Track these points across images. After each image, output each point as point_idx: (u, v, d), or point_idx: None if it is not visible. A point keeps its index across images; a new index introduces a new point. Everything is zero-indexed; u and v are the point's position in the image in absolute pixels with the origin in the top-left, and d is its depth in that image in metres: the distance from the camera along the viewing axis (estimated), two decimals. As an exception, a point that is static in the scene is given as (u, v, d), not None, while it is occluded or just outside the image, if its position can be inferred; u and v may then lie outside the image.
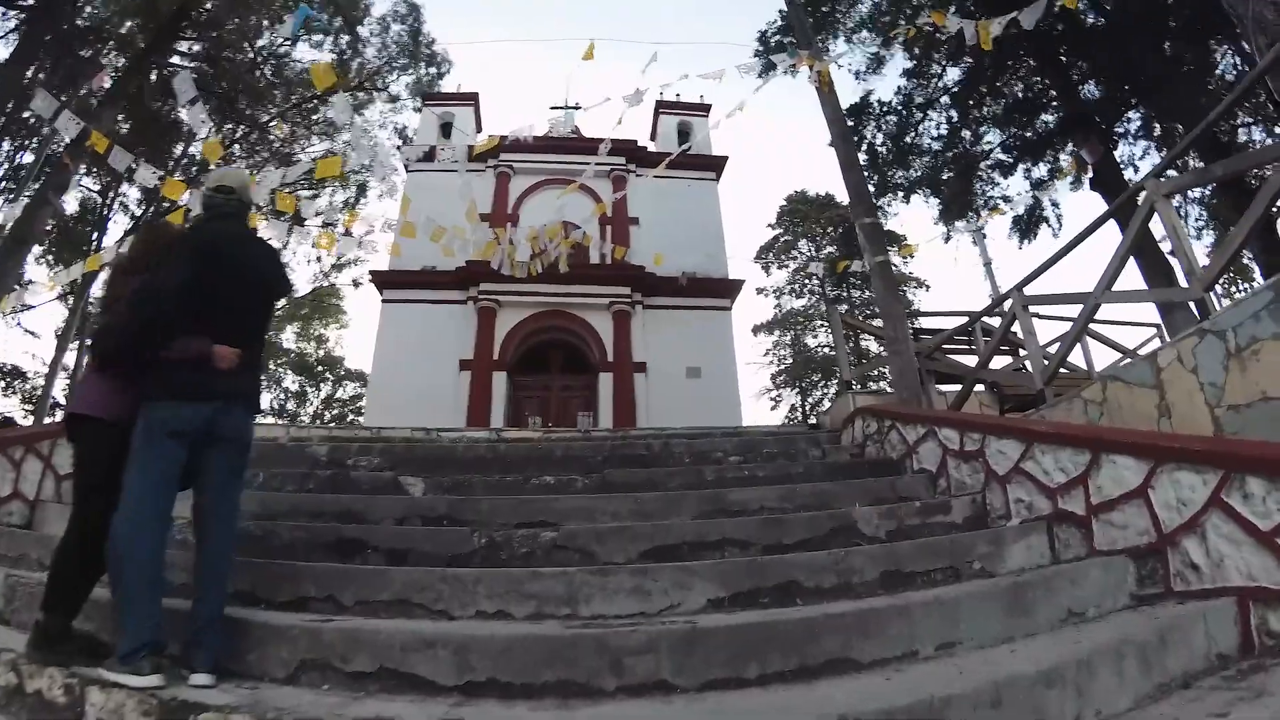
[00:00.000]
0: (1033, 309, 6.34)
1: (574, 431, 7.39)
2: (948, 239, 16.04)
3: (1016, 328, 6.25)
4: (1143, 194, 4.85)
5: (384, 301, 16.68)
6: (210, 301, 2.36)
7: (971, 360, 8.58)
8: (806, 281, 40.58)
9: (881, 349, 11.05)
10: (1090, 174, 13.08)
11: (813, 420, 8.85)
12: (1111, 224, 5.62)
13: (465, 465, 5.34)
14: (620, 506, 3.82)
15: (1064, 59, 13.24)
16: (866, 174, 14.57)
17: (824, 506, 3.95)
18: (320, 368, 43.55)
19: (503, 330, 15.61)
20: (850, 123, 14.56)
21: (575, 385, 16.05)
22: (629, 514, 3.74)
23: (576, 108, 20.87)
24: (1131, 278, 9.15)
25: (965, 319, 9.08)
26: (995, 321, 7.90)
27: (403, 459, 5.47)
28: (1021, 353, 9.87)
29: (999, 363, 9.19)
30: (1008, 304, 6.46)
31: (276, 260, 2.90)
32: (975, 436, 4.01)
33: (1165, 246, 9.40)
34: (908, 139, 15.23)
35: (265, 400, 44.84)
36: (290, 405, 45.12)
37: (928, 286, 37.81)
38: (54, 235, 26.88)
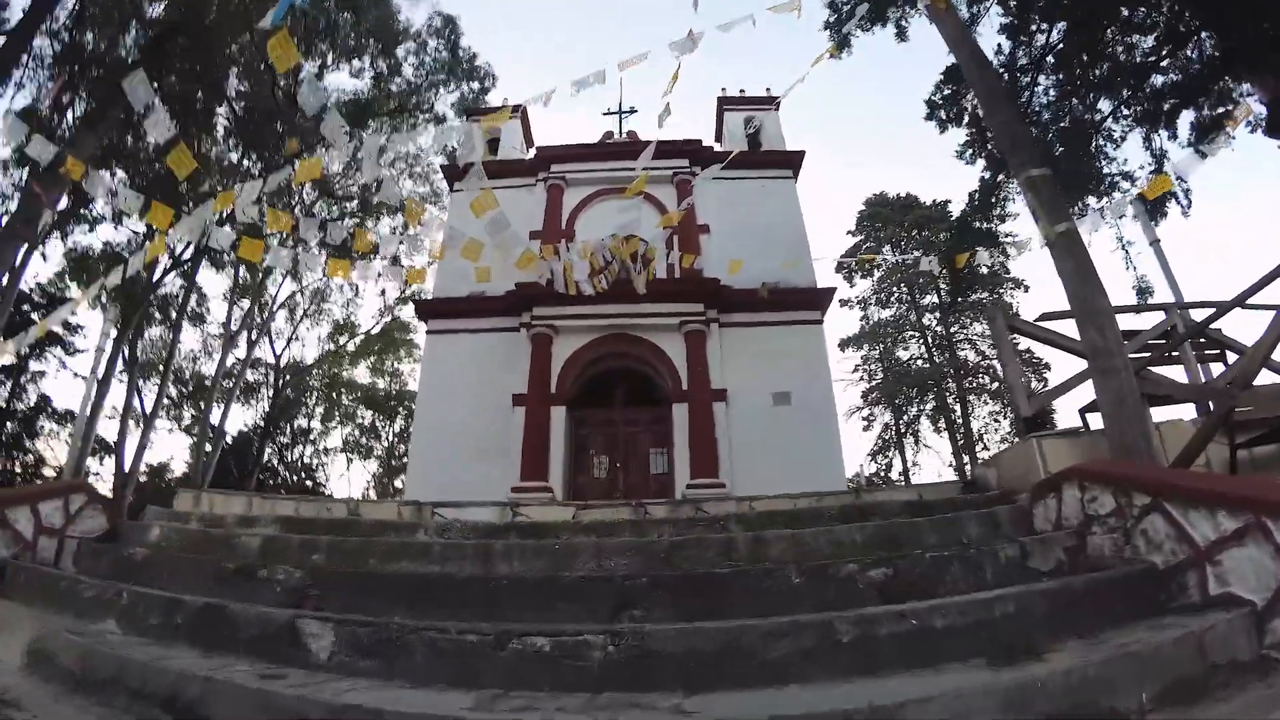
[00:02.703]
0: None
1: (621, 511, 5.26)
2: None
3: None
4: None
5: (429, 333, 15.05)
6: None
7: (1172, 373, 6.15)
8: (894, 290, 37.59)
9: (1008, 377, 8.55)
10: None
11: (968, 475, 6.47)
12: None
13: (424, 590, 3.35)
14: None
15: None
16: (973, 151, 12.05)
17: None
18: (392, 402, 43.19)
19: (560, 359, 13.69)
20: (947, 90, 12.12)
21: (645, 419, 13.95)
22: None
23: (632, 111, 19.11)
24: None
25: (1162, 316, 6.62)
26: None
27: (339, 575, 3.55)
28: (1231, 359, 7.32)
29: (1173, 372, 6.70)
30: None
31: None
32: None
33: None
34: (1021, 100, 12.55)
35: (340, 436, 45.00)
36: (363, 440, 45.07)
37: (1026, 287, 34.18)
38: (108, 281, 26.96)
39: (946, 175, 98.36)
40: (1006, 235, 11.33)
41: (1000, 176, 10.53)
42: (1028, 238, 8.76)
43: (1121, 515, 3.40)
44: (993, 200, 10.46)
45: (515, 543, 4.18)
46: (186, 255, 25.93)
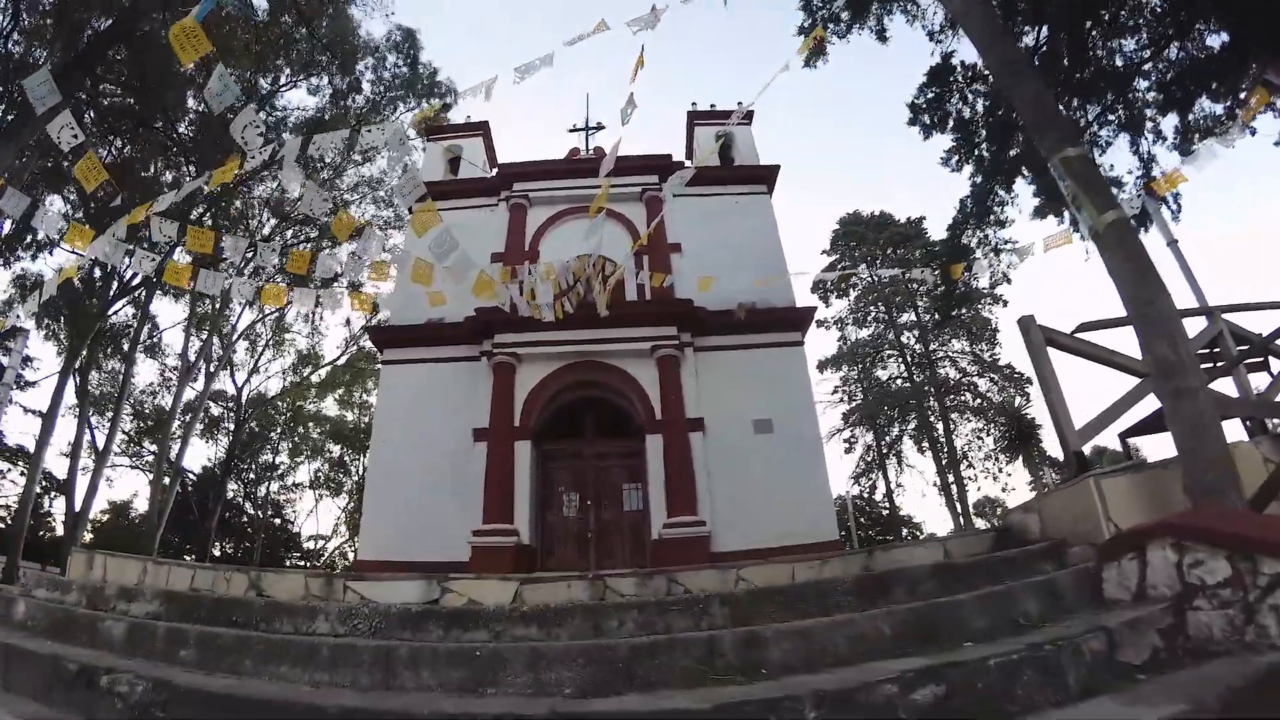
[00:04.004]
0: None
1: (575, 588, 4.23)
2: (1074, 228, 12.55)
3: None
4: None
5: (384, 363, 14.03)
6: None
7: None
8: (871, 309, 37.10)
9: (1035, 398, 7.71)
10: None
11: (999, 523, 5.48)
12: None
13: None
14: None
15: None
16: (960, 158, 11.31)
17: None
18: (362, 435, 41.78)
19: (524, 389, 12.72)
20: (930, 94, 11.43)
21: (617, 452, 12.98)
22: None
23: (599, 127, 18.37)
24: None
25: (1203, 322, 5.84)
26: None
27: (191, 691, 2.62)
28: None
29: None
30: None
31: None
32: None
33: None
34: (1000, 112, 11.93)
35: (308, 471, 43.37)
36: (333, 475, 43.48)
37: (1005, 302, 33.72)
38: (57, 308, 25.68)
39: (920, 191, 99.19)
40: (1007, 242, 10.66)
41: (995, 180, 9.84)
42: (1029, 243, 8.03)
43: (1240, 586, 2.58)
44: (988, 204, 9.75)
45: (428, 646, 3.22)
46: (136, 282, 24.68)
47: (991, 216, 10.09)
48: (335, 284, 19.08)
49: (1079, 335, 5.66)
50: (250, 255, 17.46)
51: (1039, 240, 8.22)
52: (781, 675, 2.72)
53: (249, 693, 2.92)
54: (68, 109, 6.57)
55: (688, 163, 16.76)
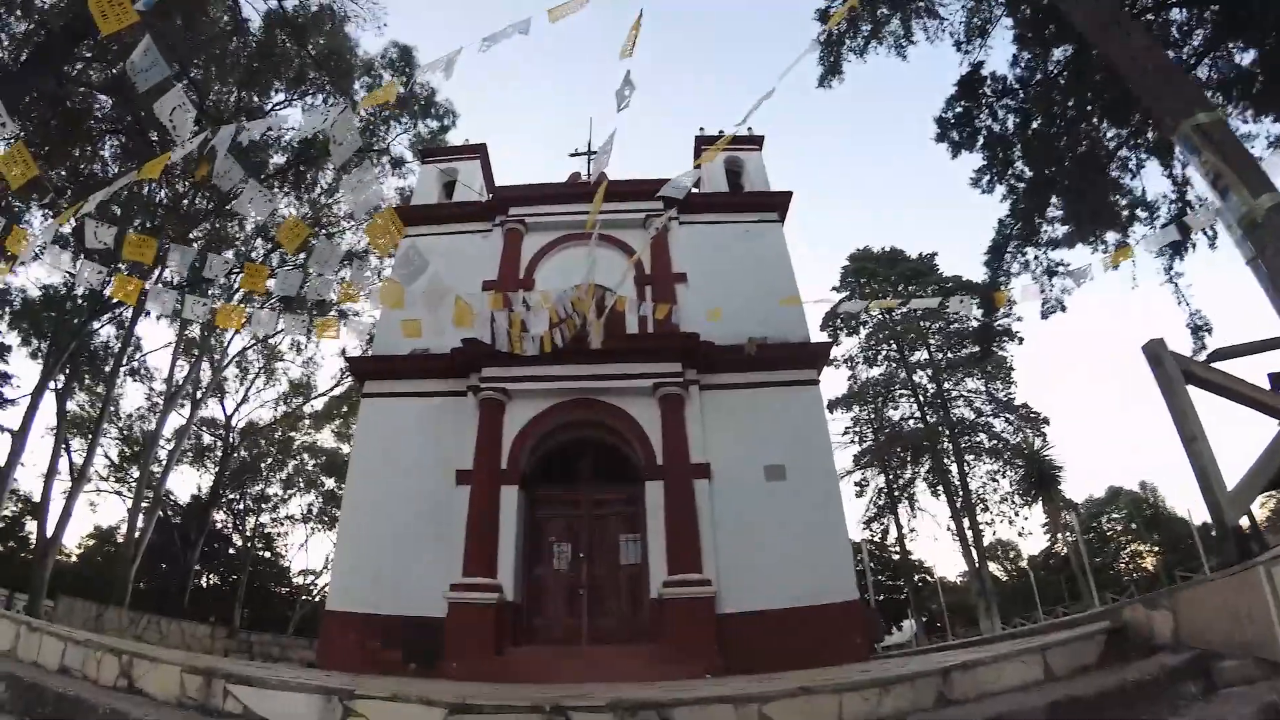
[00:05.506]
0: None
1: None
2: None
3: None
4: None
5: (364, 395, 12.95)
6: None
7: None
8: (882, 348, 36.03)
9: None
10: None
11: (1110, 620, 4.14)
12: None
13: None
14: None
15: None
16: (992, 176, 10.27)
17: None
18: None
19: (513, 428, 11.62)
20: (959, 108, 10.45)
21: (614, 499, 11.81)
22: None
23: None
24: None
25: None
26: None
27: None
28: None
29: None
30: None
31: None
32: None
33: None
34: (1034, 126, 10.89)
35: (300, 504, 42.03)
36: (326, 508, 42.10)
37: (1020, 339, 32.47)
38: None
39: (933, 226, 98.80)
40: (1059, 264, 9.60)
41: (1045, 193, 8.79)
42: (1086, 265, 7.00)
43: None
44: (1036, 222, 8.71)
45: None
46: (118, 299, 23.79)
47: (1042, 235, 9.04)
48: (313, 309, 18.17)
49: (1216, 365, 4.52)
50: (222, 274, 16.50)
51: (1094, 261, 7.10)
52: None
53: None
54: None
55: (695, 190, 15.88)
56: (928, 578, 39.89)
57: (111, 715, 3.22)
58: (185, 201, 21.39)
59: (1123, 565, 46.73)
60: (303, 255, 20.15)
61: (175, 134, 5.31)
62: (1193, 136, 3.69)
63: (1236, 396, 4.22)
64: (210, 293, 19.65)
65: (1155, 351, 4.07)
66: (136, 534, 27.43)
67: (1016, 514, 31.86)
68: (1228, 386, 4.24)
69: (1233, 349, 4.61)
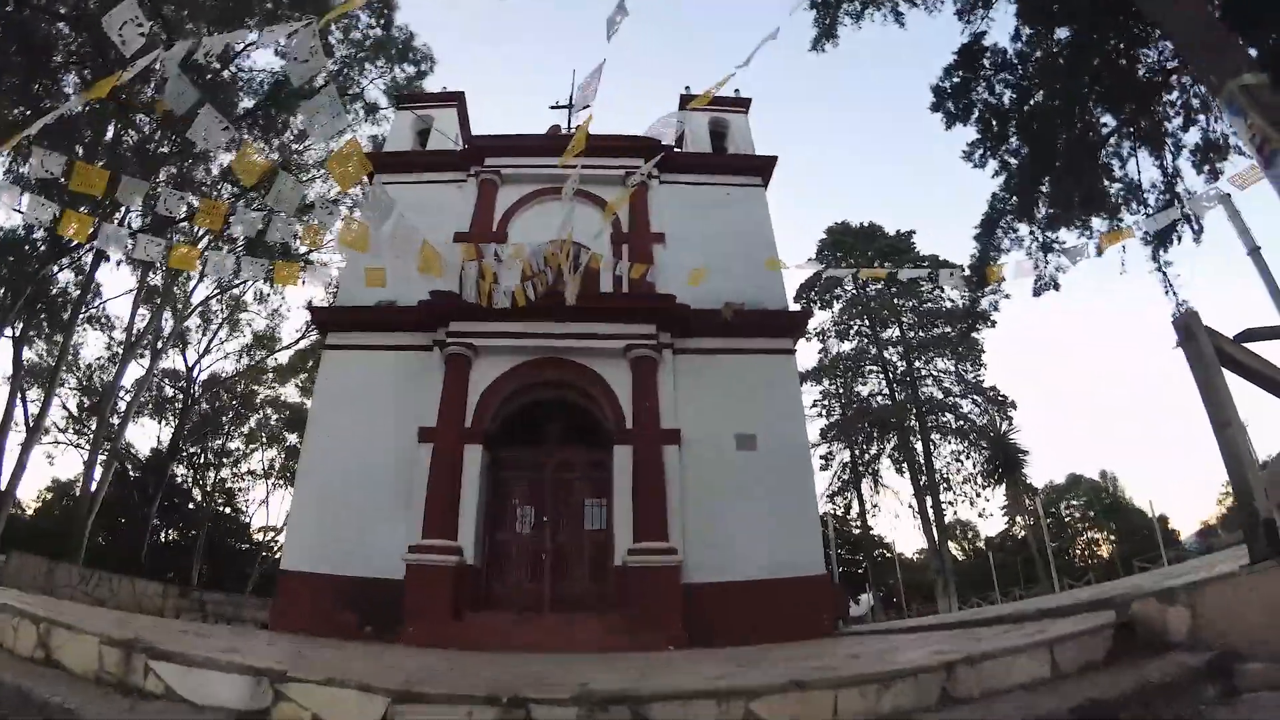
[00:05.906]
0: None
1: (479, 715, 2.61)
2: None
3: None
4: None
5: (326, 348, 12.46)
6: None
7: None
8: (854, 323, 36.03)
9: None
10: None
11: (1118, 615, 3.76)
12: None
13: None
14: None
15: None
16: (985, 150, 10.00)
17: None
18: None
19: (479, 386, 11.25)
20: (957, 78, 10.14)
21: (581, 462, 11.55)
22: None
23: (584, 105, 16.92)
24: None
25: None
26: None
27: None
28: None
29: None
30: None
31: None
32: None
33: None
34: (1032, 102, 10.59)
35: (262, 459, 41.26)
36: (290, 464, 41.35)
37: (993, 323, 32.52)
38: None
39: (902, 205, 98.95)
40: (1055, 241, 9.40)
41: (1048, 164, 8.53)
42: (1082, 243, 6.79)
43: None
44: (1034, 197, 8.47)
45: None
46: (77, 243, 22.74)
47: (1040, 210, 8.80)
48: (277, 253, 17.51)
49: (1247, 344, 4.23)
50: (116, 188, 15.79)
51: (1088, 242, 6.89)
52: None
53: None
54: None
55: (678, 149, 15.45)
56: (886, 553, 40.45)
57: (16, 695, 2.87)
58: (149, 146, 20.47)
59: (1079, 551, 47.90)
60: (265, 196, 19.39)
61: (124, 49, 4.83)
62: (1239, 97, 3.44)
63: (1268, 383, 3.95)
64: (173, 237, 18.85)
65: (1188, 325, 3.73)
66: (94, 487, 26.57)
67: (978, 495, 32.29)
68: (1262, 372, 3.94)
69: (1262, 330, 4.35)
